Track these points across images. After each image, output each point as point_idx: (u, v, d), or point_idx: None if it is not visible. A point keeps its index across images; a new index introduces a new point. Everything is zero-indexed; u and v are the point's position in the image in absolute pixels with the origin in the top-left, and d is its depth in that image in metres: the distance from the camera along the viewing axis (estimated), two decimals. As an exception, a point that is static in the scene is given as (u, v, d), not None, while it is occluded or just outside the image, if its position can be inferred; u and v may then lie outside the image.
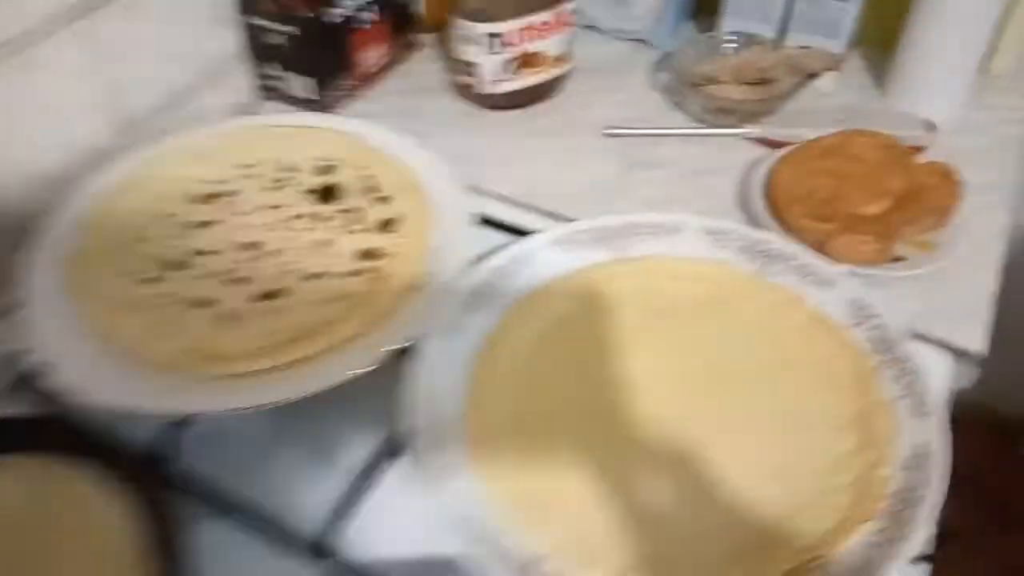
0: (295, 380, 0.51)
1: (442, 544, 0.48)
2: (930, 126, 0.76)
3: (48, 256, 0.57)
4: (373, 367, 0.50)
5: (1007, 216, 0.69)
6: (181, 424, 0.52)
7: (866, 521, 0.44)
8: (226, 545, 0.49)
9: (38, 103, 0.62)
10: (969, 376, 0.59)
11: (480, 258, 0.58)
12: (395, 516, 0.50)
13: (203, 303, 0.55)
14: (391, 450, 0.50)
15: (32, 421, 0.52)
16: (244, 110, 0.80)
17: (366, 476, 0.49)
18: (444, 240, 0.59)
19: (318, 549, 0.47)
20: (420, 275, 0.57)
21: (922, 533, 0.42)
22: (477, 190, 0.70)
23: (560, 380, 0.52)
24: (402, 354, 0.52)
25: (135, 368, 0.51)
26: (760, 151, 0.76)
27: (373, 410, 0.56)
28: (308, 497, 0.51)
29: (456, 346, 0.53)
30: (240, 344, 0.53)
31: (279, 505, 0.51)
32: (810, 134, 0.73)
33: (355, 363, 0.51)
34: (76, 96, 0.65)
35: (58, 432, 0.49)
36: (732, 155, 0.76)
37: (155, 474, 0.49)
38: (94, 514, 0.47)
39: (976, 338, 0.59)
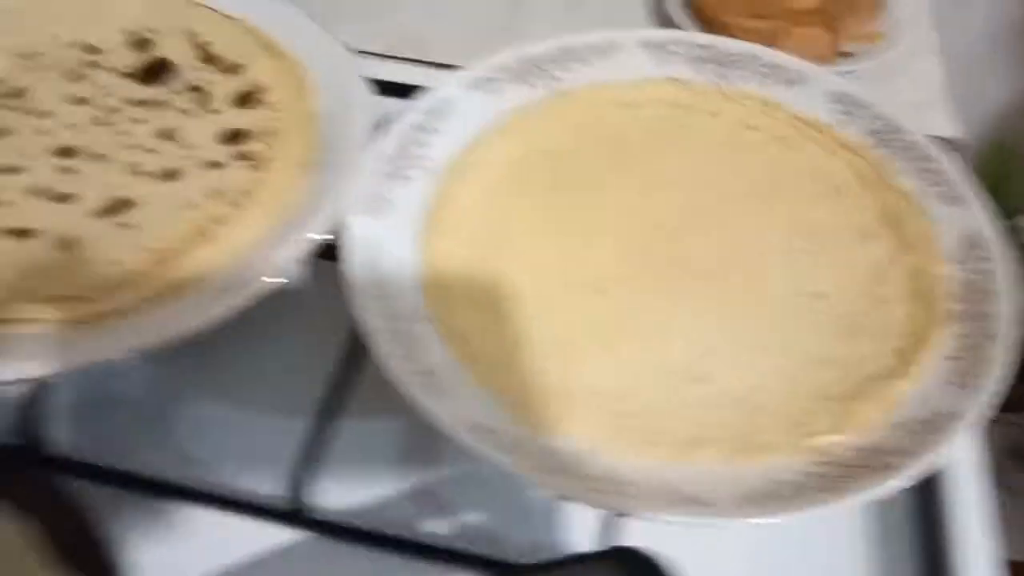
0: (178, 312, 0.38)
1: (442, 472, 0.39)
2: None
3: None
4: (281, 277, 0.39)
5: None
6: (37, 396, 0.39)
7: (938, 329, 0.38)
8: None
9: None
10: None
11: (382, 121, 0.47)
12: (369, 451, 0.41)
13: (23, 233, 0.41)
14: (348, 371, 0.40)
15: None
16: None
17: (330, 408, 0.39)
18: (331, 106, 0.48)
19: (294, 511, 0.37)
20: (311, 150, 0.46)
21: (1011, 330, 0.37)
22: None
23: (532, 242, 0.43)
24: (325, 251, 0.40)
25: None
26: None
27: (282, 327, 0.45)
28: (239, 452, 0.40)
29: (388, 226, 0.42)
30: (92, 276, 0.39)
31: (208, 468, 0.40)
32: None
33: (256, 276, 0.39)
34: None
35: None
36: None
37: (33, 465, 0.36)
38: None
39: (952, 126, 0.55)
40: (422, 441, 0.42)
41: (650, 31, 0.51)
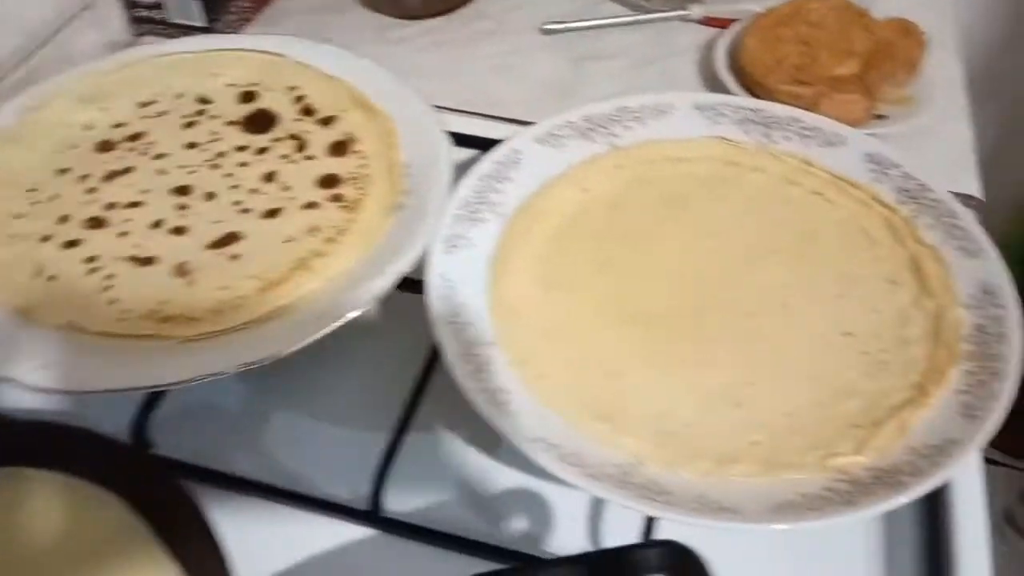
0: (281, 332, 0.45)
1: (494, 480, 0.45)
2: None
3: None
4: (372, 304, 0.46)
5: (959, 63, 0.72)
6: (150, 404, 0.46)
7: (952, 366, 0.44)
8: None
9: None
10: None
11: (459, 169, 0.54)
12: (432, 462, 0.47)
13: (143, 261, 0.49)
14: (419, 390, 0.47)
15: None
16: (117, 48, 0.71)
17: (405, 421, 0.45)
18: (414, 155, 0.55)
19: (370, 511, 0.43)
20: (396, 196, 0.52)
21: (1016, 370, 0.42)
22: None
23: (589, 281, 0.49)
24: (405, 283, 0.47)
25: (87, 344, 0.45)
26: (708, 31, 0.75)
27: (360, 351, 0.52)
28: (321, 459, 0.47)
29: (464, 263, 0.49)
30: (205, 300, 0.47)
31: (293, 473, 0.46)
32: (756, 7, 0.73)
33: (350, 303, 0.46)
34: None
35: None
36: (679, 39, 0.75)
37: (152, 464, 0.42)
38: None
39: (974, 186, 0.61)
40: (479, 454, 0.48)
41: (702, 94, 0.58)
